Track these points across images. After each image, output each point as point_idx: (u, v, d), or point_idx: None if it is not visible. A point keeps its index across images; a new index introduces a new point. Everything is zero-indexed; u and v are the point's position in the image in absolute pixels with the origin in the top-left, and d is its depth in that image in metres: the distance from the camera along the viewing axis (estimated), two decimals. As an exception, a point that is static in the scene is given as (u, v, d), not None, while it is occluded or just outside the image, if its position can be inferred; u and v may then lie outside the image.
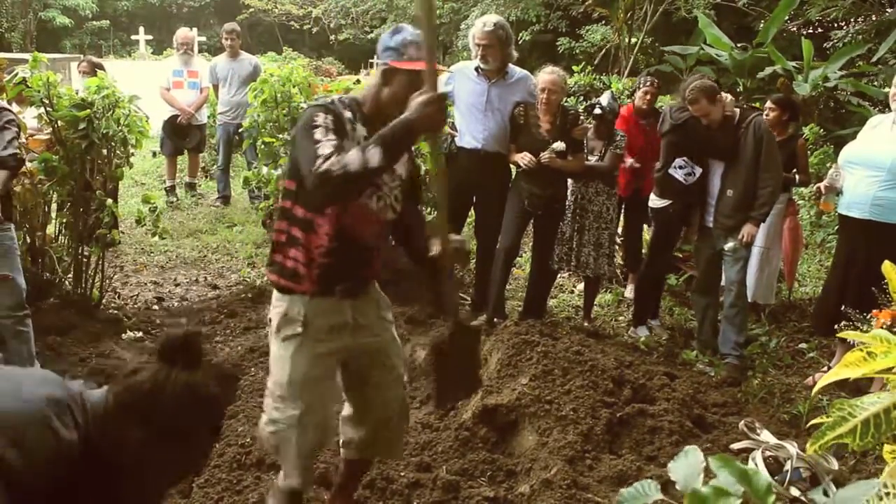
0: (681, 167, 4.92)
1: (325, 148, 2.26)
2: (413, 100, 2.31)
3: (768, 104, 5.60)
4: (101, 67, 6.69)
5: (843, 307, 4.35)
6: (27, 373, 1.67)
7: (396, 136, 2.29)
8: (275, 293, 2.58)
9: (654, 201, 5.16)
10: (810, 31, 14.02)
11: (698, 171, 4.90)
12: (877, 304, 3.27)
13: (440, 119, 2.36)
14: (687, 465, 1.50)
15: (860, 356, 1.67)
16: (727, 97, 4.91)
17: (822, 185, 4.70)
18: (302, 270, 2.49)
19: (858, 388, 4.50)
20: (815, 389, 1.93)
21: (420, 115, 2.28)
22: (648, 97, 5.68)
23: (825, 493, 2.89)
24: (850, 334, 1.82)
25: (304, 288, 2.50)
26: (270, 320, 2.58)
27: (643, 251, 6.21)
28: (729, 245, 4.76)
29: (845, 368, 1.69)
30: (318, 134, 2.31)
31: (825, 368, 4.69)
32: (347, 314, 2.59)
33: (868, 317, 3.03)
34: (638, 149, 5.59)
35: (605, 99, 5.29)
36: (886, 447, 1.81)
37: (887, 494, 1.22)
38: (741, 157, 4.69)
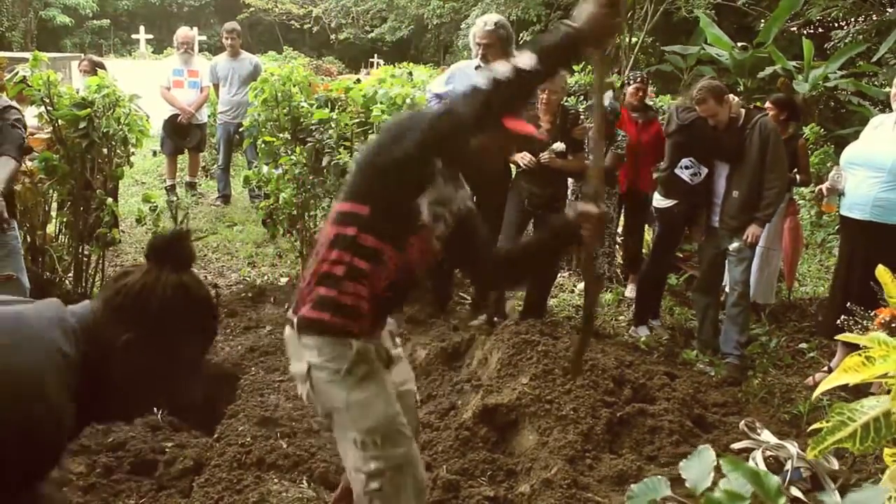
0: (687, 167, 4.92)
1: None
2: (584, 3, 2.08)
3: (767, 104, 5.61)
4: (102, 66, 6.70)
5: (844, 308, 4.36)
6: (34, 315, 1.60)
7: (560, 45, 2.09)
8: (313, 337, 2.29)
9: (659, 201, 5.16)
10: (811, 30, 14.03)
11: (704, 171, 4.91)
12: (878, 303, 3.27)
13: (615, 27, 2.13)
14: (699, 465, 1.50)
15: (859, 361, 1.67)
16: (733, 98, 4.92)
17: (824, 186, 4.70)
18: (364, 307, 2.29)
19: (858, 388, 4.49)
20: (816, 393, 1.93)
21: (592, 21, 2.06)
22: (640, 94, 5.84)
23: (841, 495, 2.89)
24: (849, 337, 1.82)
25: (359, 325, 2.30)
26: (313, 368, 2.29)
27: (643, 252, 6.22)
28: (734, 245, 4.77)
29: (844, 374, 1.69)
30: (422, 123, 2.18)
31: (825, 368, 4.69)
32: (387, 345, 2.51)
33: (871, 314, 3.03)
34: (630, 142, 5.62)
35: (605, 99, 5.28)
36: (887, 450, 1.81)
37: (890, 499, 1.22)
38: (747, 158, 4.69)
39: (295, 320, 2.32)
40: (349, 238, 2.26)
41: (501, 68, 2.06)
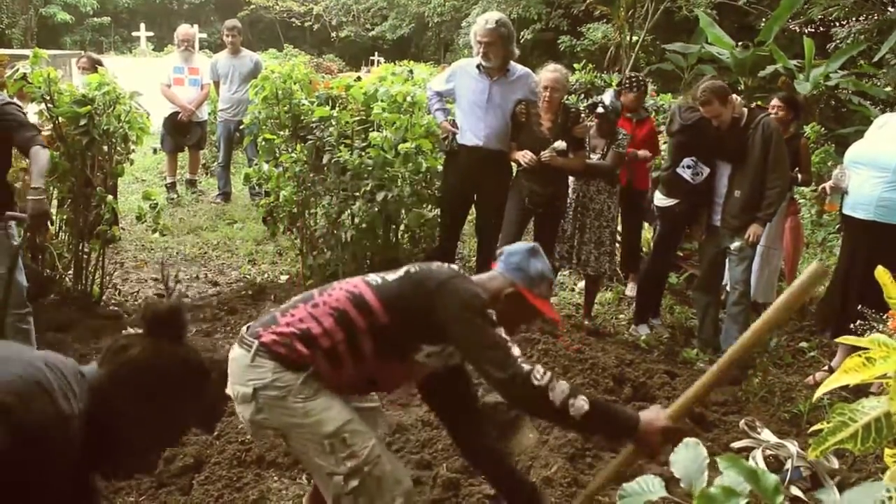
0: (688, 166, 4.92)
1: (516, 352, 2.24)
2: (653, 417, 2.25)
3: (775, 102, 5.59)
4: (101, 64, 6.69)
5: (847, 308, 4.36)
6: (27, 349, 1.75)
7: (608, 419, 2.27)
8: (269, 361, 2.28)
9: (661, 200, 5.16)
10: (812, 29, 14.02)
11: (706, 170, 4.90)
12: (881, 303, 3.26)
13: (656, 450, 2.29)
14: (688, 459, 1.49)
15: (859, 362, 1.67)
16: (736, 98, 4.91)
17: (827, 185, 4.70)
18: (328, 379, 2.31)
19: (859, 388, 4.50)
20: (817, 394, 1.93)
21: (647, 433, 2.23)
22: (639, 100, 5.94)
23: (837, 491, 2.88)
24: (849, 339, 1.82)
25: (309, 368, 2.30)
26: (261, 389, 2.27)
27: (642, 250, 6.22)
28: (735, 245, 4.77)
29: (845, 374, 1.69)
30: (499, 331, 2.27)
31: (826, 367, 4.69)
32: None
33: (884, 317, 3.03)
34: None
35: (607, 97, 5.29)
36: (888, 451, 1.81)
37: (889, 499, 1.22)
38: (749, 158, 4.69)
39: (255, 344, 2.30)
40: (353, 326, 2.32)
41: (559, 392, 2.18)
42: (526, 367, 2.21)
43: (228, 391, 2.36)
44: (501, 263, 2.54)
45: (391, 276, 2.45)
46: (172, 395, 1.74)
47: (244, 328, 2.44)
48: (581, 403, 2.18)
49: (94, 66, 6.57)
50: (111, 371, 1.72)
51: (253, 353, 2.29)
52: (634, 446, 2.30)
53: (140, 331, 1.80)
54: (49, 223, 3.84)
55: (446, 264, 2.53)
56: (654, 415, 2.27)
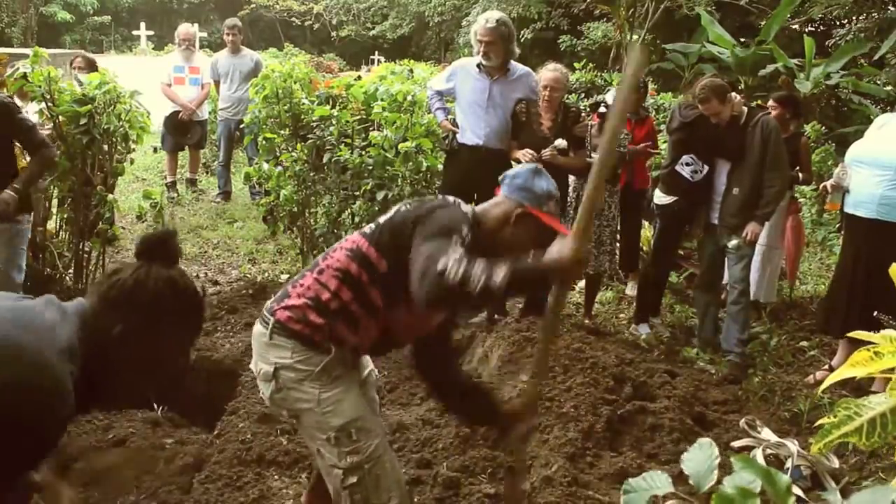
0: (688, 164, 4.92)
1: (454, 254, 2.07)
2: (558, 249, 2.15)
3: (770, 102, 5.60)
4: (95, 64, 6.69)
5: (849, 306, 4.36)
6: (35, 314, 1.69)
7: (528, 277, 2.14)
8: (287, 339, 2.32)
9: (660, 198, 5.16)
10: (812, 28, 14.02)
11: (705, 168, 4.90)
12: (885, 301, 3.27)
13: (578, 276, 2.27)
14: (701, 459, 1.49)
15: (867, 356, 1.66)
16: (736, 97, 4.91)
17: (828, 183, 4.70)
18: (345, 344, 2.35)
19: (860, 386, 4.50)
20: (823, 386, 1.92)
21: (563, 268, 2.13)
22: (640, 101, 5.85)
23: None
24: (861, 335, 1.81)
25: (332, 349, 2.33)
26: (281, 368, 2.31)
27: (641, 251, 6.21)
28: (732, 243, 4.76)
29: (851, 368, 1.69)
30: (455, 241, 2.16)
31: (826, 367, 4.69)
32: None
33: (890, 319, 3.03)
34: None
35: (609, 97, 5.29)
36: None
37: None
38: (748, 156, 4.69)
39: (271, 321, 2.35)
40: (357, 282, 2.31)
41: (477, 271, 2.00)
42: (441, 265, 2.03)
43: (251, 366, 2.45)
44: (506, 187, 2.49)
45: (383, 218, 2.43)
46: (163, 315, 1.72)
47: (266, 303, 2.48)
48: (499, 274, 2.01)
49: (91, 65, 6.56)
50: (101, 293, 1.72)
51: (270, 330, 2.33)
52: (557, 281, 2.25)
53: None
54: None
55: (441, 196, 2.50)
56: (559, 246, 2.16)
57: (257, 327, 2.42)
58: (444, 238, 2.17)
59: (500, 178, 2.54)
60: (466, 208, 2.44)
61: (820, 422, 1.67)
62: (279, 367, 2.32)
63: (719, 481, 1.39)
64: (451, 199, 2.48)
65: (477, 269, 2.02)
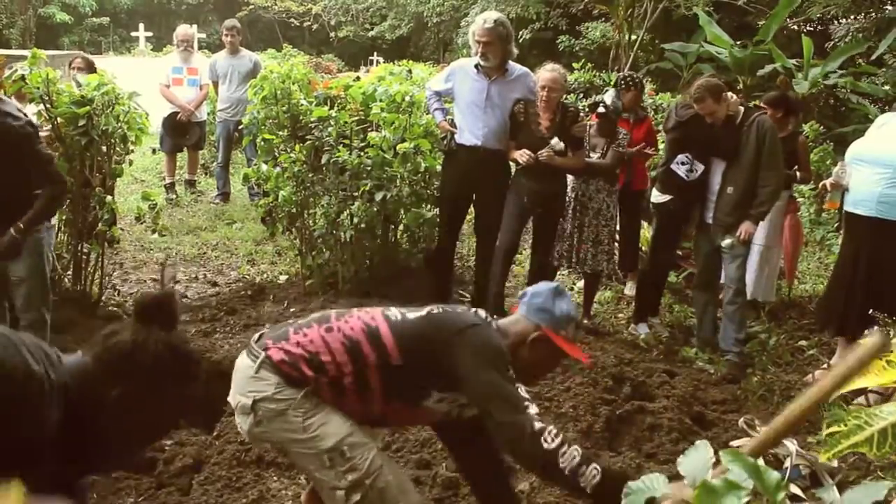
0: (683, 163, 4.93)
1: (533, 410, 2.13)
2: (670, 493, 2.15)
3: (763, 104, 5.59)
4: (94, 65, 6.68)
5: (849, 305, 4.36)
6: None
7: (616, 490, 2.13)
8: (274, 375, 2.27)
9: (656, 197, 5.17)
10: (811, 28, 14.03)
11: (700, 167, 4.91)
12: (885, 300, 3.28)
13: None
14: (696, 460, 1.49)
15: (880, 365, 1.66)
16: (732, 96, 4.92)
17: (828, 182, 4.71)
18: (322, 397, 2.28)
19: (860, 391, 4.50)
20: (833, 396, 1.91)
21: None
22: (637, 99, 5.82)
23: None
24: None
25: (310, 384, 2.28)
26: (260, 401, 2.25)
27: (640, 251, 6.22)
28: (726, 242, 4.77)
29: (864, 377, 1.68)
30: (517, 387, 2.18)
31: (825, 366, 4.70)
32: None
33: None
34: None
35: (608, 97, 5.29)
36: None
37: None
38: (742, 156, 4.70)
39: (262, 355, 2.29)
40: (364, 362, 2.26)
41: (569, 458, 2.04)
42: (538, 424, 2.09)
43: (230, 399, 2.36)
44: (524, 306, 2.44)
45: (412, 314, 2.38)
46: (157, 381, 1.70)
47: (255, 337, 2.43)
48: (592, 473, 2.03)
49: (90, 66, 6.56)
50: (96, 355, 1.70)
51: (258, 364, 2.28)
52: None
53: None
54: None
55: (473, 310, 2.46)
56: (678, 489, 2.18)
57: (244, 360, 2.35)
58: (499, 371, 2.19)
59: (520, 295, 2.51)
60: (493, 325, 2.39)
61: (829, 431, 1.67)
62: (258, 399, 2.26)
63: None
64: (481, 315, 2.42)
65: (572, 457, 2.04)
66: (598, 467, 2.05)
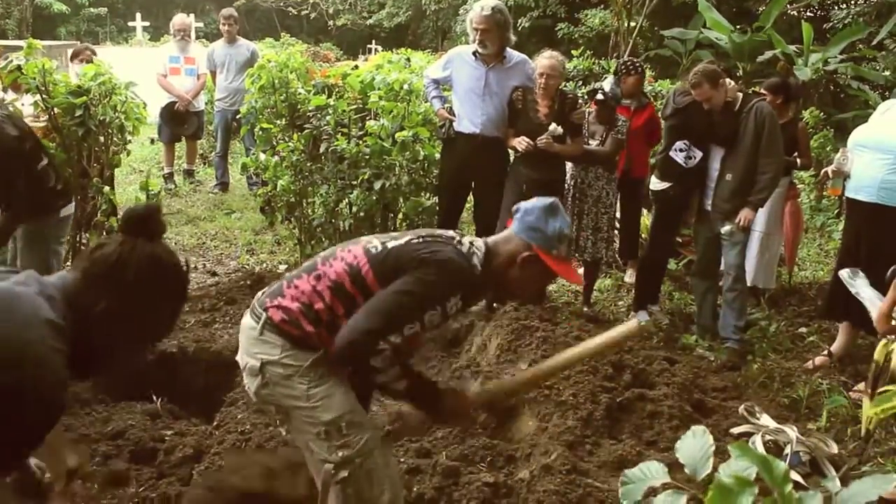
0: (681, 150, 4.91)
1: (396, 333, 2.20)
2: (457, 402, 2.47)
3: (762, 90, 5.57)
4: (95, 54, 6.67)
5: (850, 292, 4.35)
6: (19, 288, 1.67)
7: (421, 400, 2.41)
8: (278, 336, 2.30)
9: (655, 184, 5.15)
10: (811, 14, 13.97)
11: (698, 154, 4.89)
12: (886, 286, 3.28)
13: (464, 422, 2.69)
14: (694, 447, 1.49)
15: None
16: (730, 82, 4.89)
17: (829, 168, 4.69)
18: (328, 350, 2.31)
19: (858, 371, 4.51)
20: (872, 412, 1.90)
21: (449, 416, 2.52)
22: (638, 84, 5.83)
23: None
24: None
25: (321, 349, 2.32)
26: (268, 364, 2.30)
27: (640, 238, 6.21)
28: (725, 229, 4.76)
29: None
30: (421, 309, 2.24)
31: (825, 352, 4.69)
32: None
33: None
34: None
35: (607, 84, 5.27)
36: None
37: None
38: (741, 142, 4.68)
39: (263, 316, 2.32)
40: (351, 299, 2.28)
41: (387, 377, 2.25)
42: (380, 348, 2.18)
43: (238, 359, 2.42)
44: (517, 223, 2.40)
45: (392, 242, 2.36)
46: (146, 291, 1.71)
47: (258, 294, 2.46)
48: (399, 385, 2.28)
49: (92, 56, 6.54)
50: (84, 268, 1.71)
51: (261, 325, 2.31)
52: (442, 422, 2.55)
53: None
54: None
55: (458, 238, 2.41)
56: (458, 401, 2.49)
57: (247, 320, 2.38)
58: (416, 303, 2.23)
59: (513, 210, 2.46)
60: (478, 253, 2.36)
61: (882, 389, 1.66)
62: (266, 362, 2.30)
63: (715, 468, 1.39)
64: (466, 244, 2.38)
65: (387, 362, 2.21)
66: (404, 382, 2.29)
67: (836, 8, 12.56)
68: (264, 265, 6.13)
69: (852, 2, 12.50)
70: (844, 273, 3.73)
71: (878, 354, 2.94)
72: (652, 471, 1.53)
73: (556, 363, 2.61)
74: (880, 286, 3.40)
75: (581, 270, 5.71)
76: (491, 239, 2.45)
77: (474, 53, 5.05)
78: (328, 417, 2.28)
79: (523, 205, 2.42)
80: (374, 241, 2.38)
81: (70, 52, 7.83)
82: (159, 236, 1.78)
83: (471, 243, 2.40)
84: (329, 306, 2.29)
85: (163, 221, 1.80)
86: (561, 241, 2.35)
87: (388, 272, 2.28)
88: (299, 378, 2.28)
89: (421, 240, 2.35)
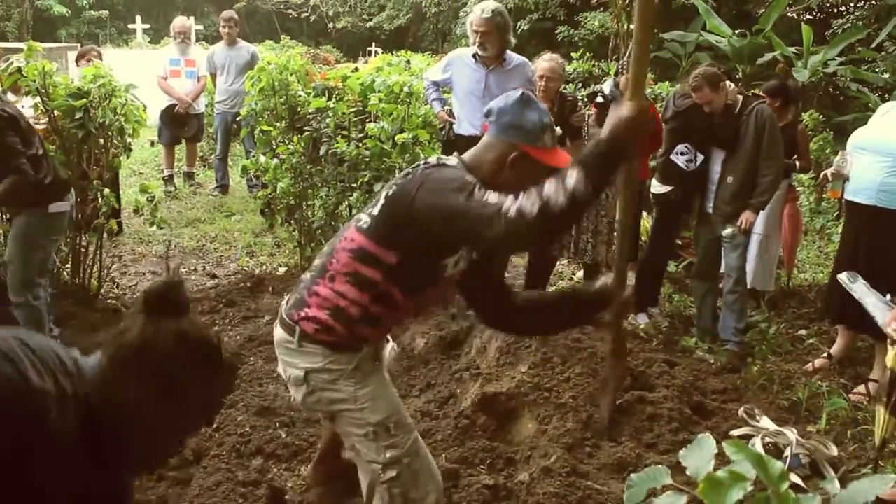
0: (682, 153, 4.91)
1: (493, 198, 1.99)
2: (616, 113, 2.10)
3: (762, 93, 5.58)
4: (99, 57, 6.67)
5: (848, 294, 4.35)
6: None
7: (605, 158, 2.05)
8: (317, 346, 2.29)
9: (656, 187, 5.16)
10: (810, 16, 13.98)
11: (699, 157, 4.90)
12: (884, 289, 3.28)
13: (646, 130, 2.21)
14: (699, 453, 1.49)
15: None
16: (730, 85, 4.90)
17: (829, 171, 4.70)
18: (372, 338, 2.34)
19: (857, 374, 4.51)
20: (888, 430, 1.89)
21: (630, 126, 2.08)
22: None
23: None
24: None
25: (365, 343, 2.34)
26: (312, 372, 2.29)
27: (641, 241, 6.21)
28: (727, 231, 4.76)
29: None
30: (477, 194, 2.04)
31: (825, 355, 4.69)
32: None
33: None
34: None
35: (607, 87, 5.28)
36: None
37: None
38: (742, 145, 4.69)
39: (297, 330, 2.30)
40: (372, 282, 2.23)
41: (551, 191, 1.95)
42: (511, 207, 1.96)
43: (279, 371, 2.43)
44: (493, 126, 2.29)
45: (375, 208, 2.27)
46: (176, 372, 1.60)
47: (283, 304, 2.43)
48: (578, 178, 1.96)
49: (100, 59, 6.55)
50: (110, 355, 1.60)
51: (297, 338, 2.29)
52: (630, 146, 2.14)
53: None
54: None
55: (423, 161, 2.33)
56: (616, 112, 2.14)
57: (281, 333, 2.35)
58: (464, 192, 2.05)
59: (485, 112, 2.35)
60: (453, 161, 2.28)
61: None
62: (310, 370, 2.29)
63: (716, 470, 1.39)
64: (431, 159, 2.30)
65: (551, 189, 1.94)
66: (573, 173, 1.97)
67: (836, 12, 12.56)
68: (264, 267, 6.13)
69: (852, 4, 12.50)
70: (843, 277, 3.73)
71: (891, 362, 2.93)
72: (657, 475, 1.54)
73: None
74: (879, 289, 3.40)
75: (581, 273, 5.72)
76: (465, 154, 2.34)
77: (474, 56, 5.05)
78: (376, 419, 2.29)
79: (494, 105, 2.31)
80: (361, 217, 2.32)
81: (73, 53, 7.84)
82: (185, 312, 1.67)
83: (438, 159, 2.31)
84: (352, 300, 2.24)
85: (186, 295, 1.70)
86: (543, 130, 2.25)
87: (390, 232, 2.21)
88: (345, 381, 2.28)
89: (393, 185, 2.28)
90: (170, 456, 1.86)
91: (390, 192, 2.26)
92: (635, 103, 2.16)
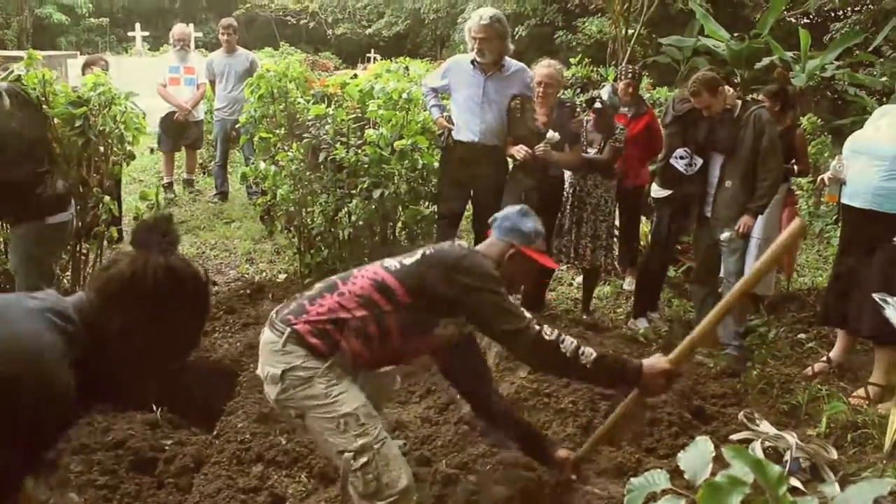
0: (681, 157, 4.93)
1: (527, 315, 2.51)
2: (653, 362, 2.58)
3: (761, 96, 5.60)
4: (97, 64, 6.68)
5: (848, 297, 4.36)
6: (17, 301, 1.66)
7: (614, 375, 2.59)
8: (300, 348, 2.47)
9: (656, 191, 5.17)
10: (808, 20, 14.02)
11: (699, 161, 4.91)
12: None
13: (662, 391, 2.69)
14: (696, 456, 1.50)
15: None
16: (729, 90, 4.92)
17: (825, 175, 4.70)
18: (354, 358, 2.51)
19: (857, 377, 4.51)
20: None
21: (651, 386, 2.58)
22: (630, 89, 5.94)
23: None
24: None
25: (336, 353, 2.50)
26: (289, 370, 2.46)
27: (640, 246, 6.22)
28: (725, 235, 4.77)
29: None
30: (511, 298, 2.54)
31: (824, 358, 4.70)
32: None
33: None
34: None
35: (605, 93, 5.30)
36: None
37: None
38: (740, 149, 4.70)
39: (287, 331, 2.48)
40: (379, 309, 2.52)
41: (568, 340, 2.51)
42: (536, 326, 2.48)
43: (258, 371, 2.59)
44: (496, 230, 2.81)
45: (408, 259, 2.63)
46: (165, 306, 1.65)
47: (273, 312, 2.63)
48: (590, 352, 2.50)
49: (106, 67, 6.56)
50: (98, 287, 1.66)
51: (284, 338, 2.47)
52: (639, 390, 2.61)
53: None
54: None
55: (458, 243, 2.77)
56: (656, 360, 2.61)
57: (269, 335, 2.53)
58: (495, 289, 2.51)
59: (490, 220, 2.87)
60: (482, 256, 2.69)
61: None
62: (287, 369, 2.46)
63: (714, 474, 1.40)
64: (464, 245, 2.73)
65: (570, 343, 2.49)
66: (592, 349, 2.52)
67: (834, 16, 12.59)
68: (264, 274, 6.14)
69: (849, 8, 12.53)
70: (877, 297, 3.75)
71: None
72: (656, 479, 1.54)
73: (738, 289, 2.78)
74: (873, 290, 3.41)
75: (581, 278, 5.72)
76: (478, 247, 2.81)
77: (473, 62, 5.06)
78: (346, 410, 2.44)
79: (498, 214, 2.86)
80: (389, 261, 2.65)
81: (73, 61, 7.85)
82: (173, 247, 1.72)
83: (469, 246, 2.77)
84: (357, 317, 2.49)
85: (175, 231, 1.75)
86: (537, 236, 2.78)
87: (416, 283, 2.55)
88: (318, 379, 2.45)
89: (433, 250, 2.67)
90: (143, 390, 1.91)
91: (429, 252, 2.65)
92: (674, 366, 2.60)
